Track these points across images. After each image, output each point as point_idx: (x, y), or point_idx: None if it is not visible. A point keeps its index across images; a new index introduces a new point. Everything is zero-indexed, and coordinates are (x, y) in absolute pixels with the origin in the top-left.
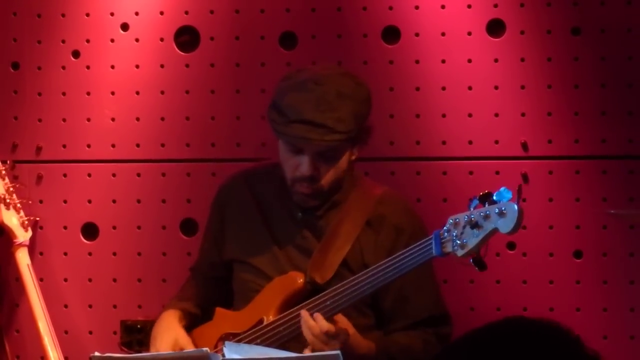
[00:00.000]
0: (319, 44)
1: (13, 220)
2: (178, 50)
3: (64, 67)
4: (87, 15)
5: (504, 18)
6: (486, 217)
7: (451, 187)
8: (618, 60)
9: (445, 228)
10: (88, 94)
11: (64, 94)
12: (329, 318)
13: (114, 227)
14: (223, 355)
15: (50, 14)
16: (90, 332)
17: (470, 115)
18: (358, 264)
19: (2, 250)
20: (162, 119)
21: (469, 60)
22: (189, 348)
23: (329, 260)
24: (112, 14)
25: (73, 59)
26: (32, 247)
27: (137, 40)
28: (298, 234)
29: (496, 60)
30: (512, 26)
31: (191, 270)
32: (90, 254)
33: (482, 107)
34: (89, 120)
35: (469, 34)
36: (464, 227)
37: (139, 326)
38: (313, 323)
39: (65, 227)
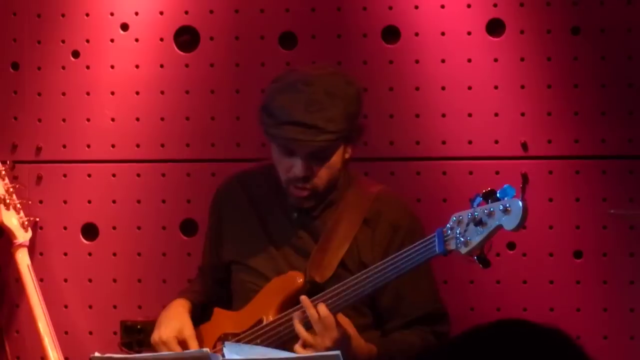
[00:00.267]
0: (318, 44)
1: (13, 220)
2: (178, 50)
3: (63, 67)
4: (87, 15)
5: (503, 18)
6: (490, 214)
7: (451, 187)
8: (618, 60)
9: (448, 225)
10: (88, 94)
11: (63, 94)
12: None
13: (114, 228)
14: (223, 355)
15: (50, 14)
16: (90, 333)
17: (470, 115)
18: (355, 262)
19: (2, 251)
20: (162, 119)
21: (469, 60)
22: (193, 339)
23: (328, 260)
24: (111, 14)
25: (73, 59)
26: (32, 248)
27: (136, 40)
28: (294, 234)
29: (496, 60)
30: (511, 26)
31: (199, 270)
32: (90, 254)
33: (481, 107)
34: (88, 120)
35: (469, 33)
36: (468, 224)
37: (139, 327)
38: (313, 311)
39: (65, 228)
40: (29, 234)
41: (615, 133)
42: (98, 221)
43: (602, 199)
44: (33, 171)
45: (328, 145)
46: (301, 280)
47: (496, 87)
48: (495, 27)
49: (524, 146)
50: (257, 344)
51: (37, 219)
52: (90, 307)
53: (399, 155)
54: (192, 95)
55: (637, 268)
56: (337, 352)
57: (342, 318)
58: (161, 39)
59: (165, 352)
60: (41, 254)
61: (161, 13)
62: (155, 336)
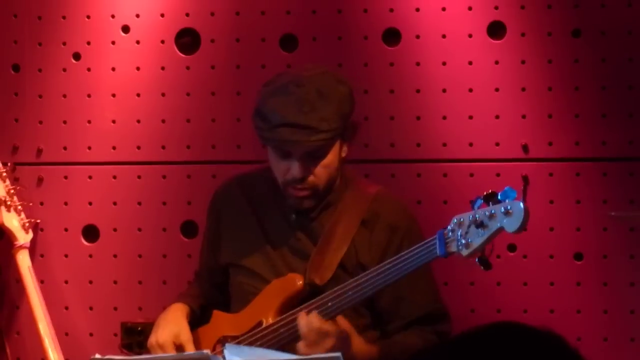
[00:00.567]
0: (319, 46)
1: (14, 222)
2: (179, 52)
3: (64, 70)
4: (88, 17)
5: (504, 20)
6: (492, 216)
7: (452, 189)
8: (618, 62)
9: (449, 228)
10: (89, 96)
11: (64, 96)
12: (331, 319)
13: (115, 229)
14: (223, 357)
15: (51, 16)
16: (91, 334)
17: (470, 117)
18: (353, 264)
19: (2, 253)
20: (163, 121)
21: (470, 63)
22: (189, 344)
23: (327, 261)
24: (112, 16)
25: (74, 61)
26: (32, 249)
27: (137, 42)
28: (292, 236)
29: (497, 63)
30: (512, 28)
31: (195, 275)
32: (90, 256)
33: (482, 109)
34: (89, 122)
35: (470, 36)
36: (469, 226)
37: (139, 328)
38: (307, 320)
39: (65, 229)
40: (30, 235)
41: (615, 135)
42: (99, 223)
43: (603, 201)
44: (34, 173)
45: (323, 144)
46: (301, 282)
47: (497, 90)
48: (496, 30)
49: (525, 148)
50: (257, 347)
51: (38, 221)
52: (90, 308)
53: (400, 157)
54: (192, 97)
55: (637, 270)
56: (338, 354)
57: (341, 320)
58: (162, 41)
59: (165, 354)
60: (42, 255)
61: (162, 15)
62: (152, 340)
